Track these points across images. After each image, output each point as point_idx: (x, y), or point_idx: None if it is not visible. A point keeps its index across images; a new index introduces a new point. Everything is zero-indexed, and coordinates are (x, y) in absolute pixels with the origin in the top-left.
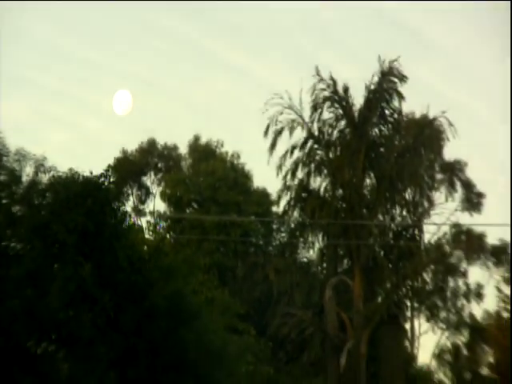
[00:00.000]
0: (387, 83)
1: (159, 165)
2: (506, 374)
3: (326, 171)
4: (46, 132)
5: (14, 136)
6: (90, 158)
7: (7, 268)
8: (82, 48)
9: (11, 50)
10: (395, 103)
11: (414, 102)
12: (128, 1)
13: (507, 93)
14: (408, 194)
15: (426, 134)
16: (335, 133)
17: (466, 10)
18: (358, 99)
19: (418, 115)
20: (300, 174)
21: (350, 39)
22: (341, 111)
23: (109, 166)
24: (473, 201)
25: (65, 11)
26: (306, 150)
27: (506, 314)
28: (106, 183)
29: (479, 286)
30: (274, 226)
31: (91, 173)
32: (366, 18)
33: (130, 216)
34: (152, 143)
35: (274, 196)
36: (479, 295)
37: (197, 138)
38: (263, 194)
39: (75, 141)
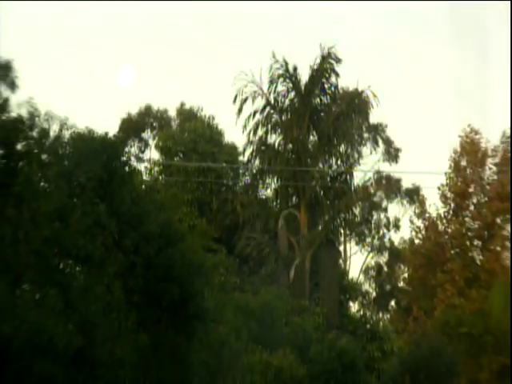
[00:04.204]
0: (326, 64)
1: (154, 124)
2: (417, 286)
3: (279, 130)
4: (62, 99)
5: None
6: (102, 119)
7: (38, 204)
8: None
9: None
10: (333, 79)
11: (348, 78)
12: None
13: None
14: (342, 148)
15: (356, 102)
16: (287, 101)
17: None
18: (304, 76)
19: (350, 88)
20: (260, 132)
21: (301, 28)
22: (291, 85)
23: (120, 127)
24: (391, 153)
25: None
26: (265, 114)
27: (417, 241)
28: (117, 142)
29: (396, 219)
30: (241, 171)
31: (106, 133)
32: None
33: (134, 168)
34: (148, 108)
35: (240, 148)
36: (396, 226)
37: (182, 104)
38: (232, 147)
39: (88, 106)
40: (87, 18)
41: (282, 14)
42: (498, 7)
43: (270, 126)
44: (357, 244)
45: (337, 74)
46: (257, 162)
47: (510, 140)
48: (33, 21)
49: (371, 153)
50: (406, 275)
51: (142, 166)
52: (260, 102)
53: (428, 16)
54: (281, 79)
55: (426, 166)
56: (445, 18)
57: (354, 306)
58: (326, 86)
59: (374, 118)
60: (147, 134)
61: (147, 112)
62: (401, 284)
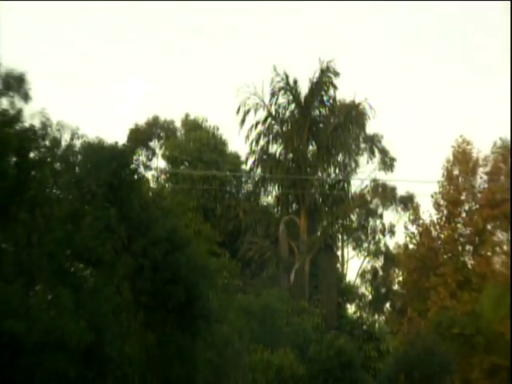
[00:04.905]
0: (325, 77)
1: (161, 134)
2: (411, 289)
3: (280, 140)
4: (73, 111)
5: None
6: (110, 129)
7: (51, 208)
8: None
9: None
10: (331, 92)
11: (346, 90)
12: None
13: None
14: (339, 158)
15: (353, 114)
16: (287, 113)
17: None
18: (304, 89)
19: (347, 100)
20: (261, 142)
21: (301, 42)
22: (291, 97)
23: (128, 137)
24: (387, 163)
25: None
26: (266, 125)
27: (411, 246)
28: (126, 151)
29: (391, 225)
30: (243, 179)
31: (116, 143)
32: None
33: (142, 176)
34: (156, 118)
35: (243, 157)
36: (391, 232)
37: (187, 115)
38: (235, 156)
39: (97, 117)
40: (96, 32)
41: (283, 29)
42: (498, 7)
43: (271, 136)
44: (354, 249)
45: (335, 87)
46: (259, 170)
47: (500, 150)
48: (41, 33)
49: (368, 162)
50: (400, 279)
51: (149, 174)
52: (262, 114)
53: (425, 23)
54: (282, 92)
55: (419, 175)
56: (443, 23)
57: (351, 308)
58: (324, 98)
59: (370, 129)
60: (154, 144)
61: (154, 122)
62: (396, 287)
